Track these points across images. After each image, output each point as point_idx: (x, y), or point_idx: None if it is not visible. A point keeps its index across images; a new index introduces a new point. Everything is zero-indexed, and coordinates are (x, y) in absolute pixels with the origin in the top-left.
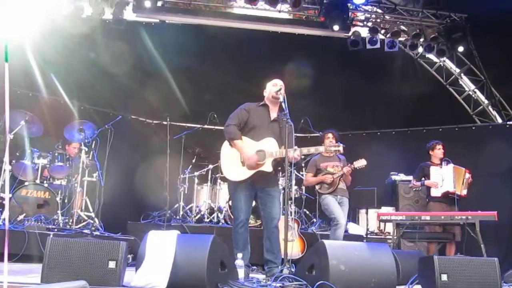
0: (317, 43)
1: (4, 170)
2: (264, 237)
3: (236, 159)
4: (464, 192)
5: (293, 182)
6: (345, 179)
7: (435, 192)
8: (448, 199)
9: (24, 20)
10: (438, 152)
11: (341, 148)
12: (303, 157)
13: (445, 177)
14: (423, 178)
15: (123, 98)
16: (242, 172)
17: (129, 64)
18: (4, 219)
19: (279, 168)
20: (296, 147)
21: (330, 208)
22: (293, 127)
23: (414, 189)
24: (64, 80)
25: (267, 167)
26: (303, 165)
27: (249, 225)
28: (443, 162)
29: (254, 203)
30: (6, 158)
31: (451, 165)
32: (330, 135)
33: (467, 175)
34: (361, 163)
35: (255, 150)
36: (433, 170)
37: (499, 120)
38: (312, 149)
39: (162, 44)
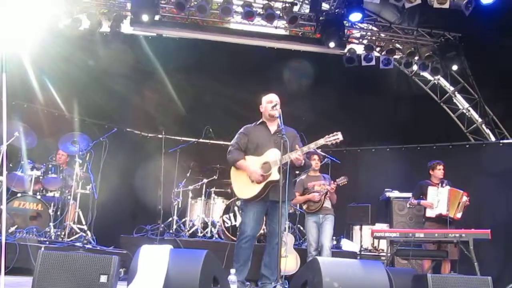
0: (312, 59)
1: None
2: (265, 252)
3: (245, 177)
4: (458, 215)
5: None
6: (331, 197)
7: (430, 213)
8: (442, 220)
9: (21, 31)
10: (438, 172)
11: (339, 136)
12: (305, 157)
13: (440, 199)
14: (421, 196)
15: (118, 110)
16: (253, 188)
17: (125, 76)
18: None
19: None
20: (297, 146)
21: (307, 234)
22: (297, 135)
23: (408, 206)
24: (59, 91)
25: (275, 175)
26: (297, 180)
27: None
28: (440, 183)
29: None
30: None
31: (447, 188)
32: (315, 156)
33: (464, 198)
34: (342, 180)
35: (260, 164)
36: (430, 190)
37: (493, 138)
38: (312, 145)
39: (159, 56)
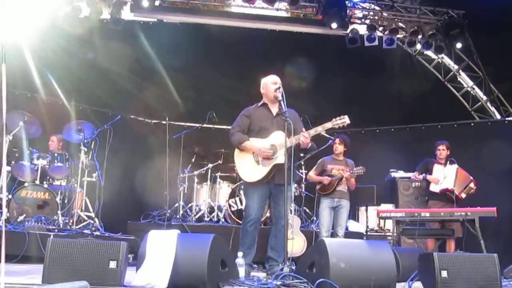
0: (315, 41)
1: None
2: (271, 234)
3: (250, 160)
4: (463, 195)
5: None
6: (348, 183)
7: (434, 188)
8: (447, 197)
9: (21, 21)
10: (438, 152)
11: (346, 119)
12: (311, 141)
13: (447, 175)
14: (426, 173)
15: (121, 98)
16: (259, 170)
17: (127, 64)
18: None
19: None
20: (303, 129)
21: (320, 216)
22: (298, 116)
23: (414, 183)
24: (62, 80)
25: (281, 159)
26: (302, 163)
27: None
28: (448, 162)
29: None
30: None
31: (455, 166)
32: (336, 140)
33: (472, 185)
34: (359, 170)
35: (266, 145)
36: (436, 167)
37: (498, 116)
38: (319, 128)
39: (160, 43)
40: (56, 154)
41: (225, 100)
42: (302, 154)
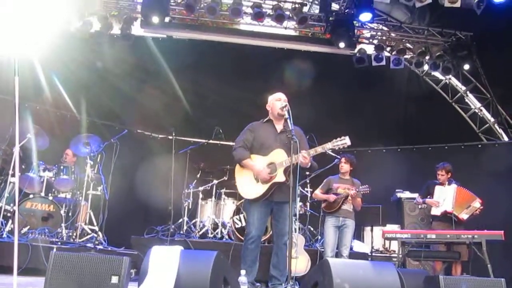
0: (322, 59)
1: (10, 182)
2: (272, 252)
3: (250, 177)
4: (464, 216)
5: (298, 199)
6: (354, 202)
7: (435, 211)
8: (449, 219)
9: (33, 34)
10: (438, 177)
11: (347, 140)
12: (311, 159)
13: (446, 197)
14: (428, 196)
15: (128, 112)
16: (258, 188)
17: (134, 77)
18: (8, 232)
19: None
20: (303, 151)
21: (324, 234)
22: (303, 134)
23: (418, 207)
24: (71, 93)
25: (280, 177)
26: (308, 181)
27: None
28: (448, 182)
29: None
30: (16, 170)
31: (454, 186)
32: (342, 159)
33: (477, 204)
34: (365, 188)
35: (265, 165)
36: (437, 189)
37: (505, 138)
38: (319, 149)
39: (168, 58)
40: (62, 167)
41: (232, 116)
42: (307, 173)
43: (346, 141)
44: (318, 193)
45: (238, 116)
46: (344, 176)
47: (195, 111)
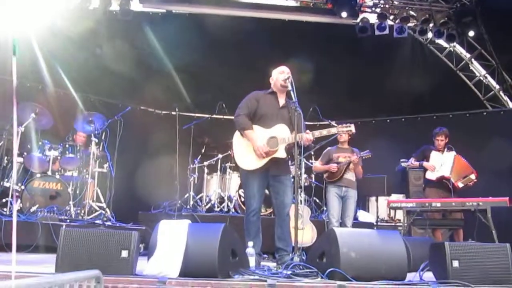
0: (324, 30)
1: (17, 162)
2: (275, 225)
3: (249, 147)
4: (460, 184)
5: (303, 170)
6: (356, 170)
7: (430, 175)
8: (443, 185)
9: (31, 14)
10: (436, 142)
11: (352, 128)
12: (314, 139)
13: (444, 163)
14: (423, 159)
15: (131, 90)
16: (256, 160)
17: (136, 56)
18: (17, 211)
19: (292, 154)
20: (308, 130)
21: (328, 204)
22: (302, 114)
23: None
24: (72, 73)
25: (281, 153)
26: (312, 153)
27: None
28: (446, 149)
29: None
30: (15, 151)
31: (453, 153)
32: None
33: (473, 176)
34: (366, 153)
35: (267, 138)
36: (434, 154)
37: (511, 105)
38: (324, 132)
39: (168, 35)
40: (67, 145)
41: (235, 90)
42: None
43: (351, 128)
44: (318, 165)
45: (241, 90)
46: (343, 145)
47: (197, 87)
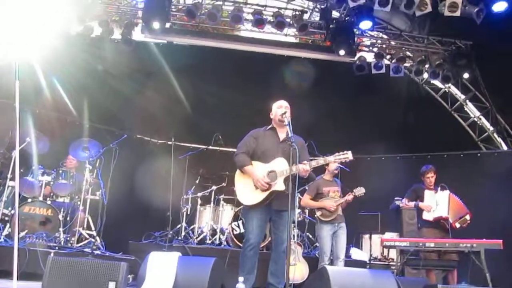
0: (323, 66)
1: (8, 186)
2: (271, 260)
3: (250, 184)
4: (457, 225)
5: (297, 204)
6: (343, 205)
7: (427, 216)
8: (440, 225)
9: (34, 38)
10: (427, 180)
11: (350, 155)
12: (311, 169)
13: (439, 203)
14: (417, 200)
15: (129, 116)
16: (257, 195)
17: (135, 82)
18: (5, 236)
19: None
20: (305, 161)
21: (321, 242)
22: (305, 144)
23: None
24: (71, 97)
25: (280, 186)
26: (306, 188)
27: None
28: (439, 188)
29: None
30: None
31: (447, 192)
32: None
33: (467, 217)
34: (360, 191)
35: (266, 172)
36: (427, 193)
37: (505, 147)
38: (321, 161)
39: (169, 64)
40: (61, 171)
41: (232, 122)
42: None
43: (348, 155)
44: (309, 201)
45: (238, 122)
46: (330, 177)
47: (194, 117)
